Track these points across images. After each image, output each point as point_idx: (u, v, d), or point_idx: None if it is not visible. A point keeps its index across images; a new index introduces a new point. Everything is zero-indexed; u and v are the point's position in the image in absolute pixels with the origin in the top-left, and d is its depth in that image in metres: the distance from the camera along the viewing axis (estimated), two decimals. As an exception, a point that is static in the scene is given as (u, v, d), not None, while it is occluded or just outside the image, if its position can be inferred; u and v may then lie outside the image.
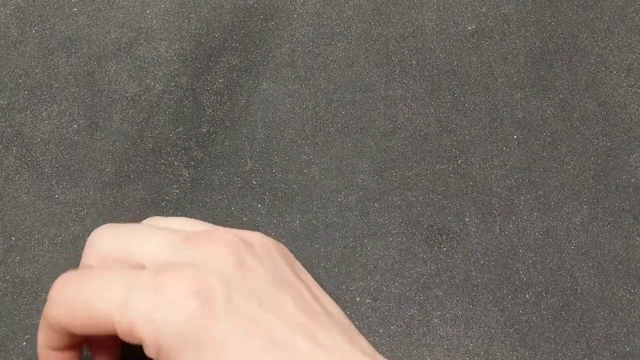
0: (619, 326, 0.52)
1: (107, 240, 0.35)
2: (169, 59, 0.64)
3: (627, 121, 0.62)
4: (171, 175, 0.57)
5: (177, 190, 0.57)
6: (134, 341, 0.29)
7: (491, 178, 0.58)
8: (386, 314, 0.51)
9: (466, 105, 0.62)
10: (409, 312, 0.52)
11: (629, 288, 0.54)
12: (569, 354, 0.51)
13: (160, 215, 0.56)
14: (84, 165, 0.58)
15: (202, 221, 0.38)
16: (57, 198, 0.56)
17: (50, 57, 0.64)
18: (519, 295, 0.53)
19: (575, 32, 0.67)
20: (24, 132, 0.60)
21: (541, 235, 0.56)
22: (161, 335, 0.27)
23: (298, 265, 0.37)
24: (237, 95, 0.62)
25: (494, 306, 0.52)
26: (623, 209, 0.57)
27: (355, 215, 0.55)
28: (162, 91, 0.62)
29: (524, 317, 0.52)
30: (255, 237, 0.33)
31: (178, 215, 0.57)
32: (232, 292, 0.27)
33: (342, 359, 0.29)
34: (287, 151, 0.58)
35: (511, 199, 0.57)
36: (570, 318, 0.52)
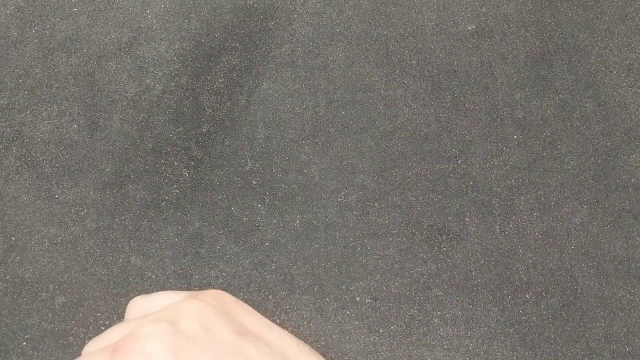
0: (619, 326, 0.52)
1: None
2: (169, 59, 0.64)
3: (627, 121, 0.62)
4: (171, 175, 0.57)
5: (177, 190, 0.57)
6: None
7: (491, 178, 0.58)
8: (386, 314, 0.51)
9: (466, 105, 0.62)
10: (409, 312, 0.52)
11: (629, 288, 0.54)
12: (569, 354, 0.51)
13: (160, 214, 0.56)
14: (84, 165, 0.58)
15: (180, 292, 0.36)
16: (57, 198, 0.56)
17: (50, 57, 0.64)
18: (519, 295, 0.53)
19: (575, 32, 0.67)
20: (24, 132, 0.60)
21: (541, 235, 0.56)
22: None
23: (241, 311, 0.34)
24: (237, 95, 0.62)
25: (494, 306, 0.52)
26: (623, 209, 0.57)
27: (355, 215, 0.55)
28: (162, 91, 0.62)
29: (524, 317, 0.52)
30: (187, 310, 0.31)
31: (178, 215, 0.57)
32: None
33: None
34: (287, 151, 0.58)
35: (511, 199, 0.57)
36: (570, 318, 0.52)
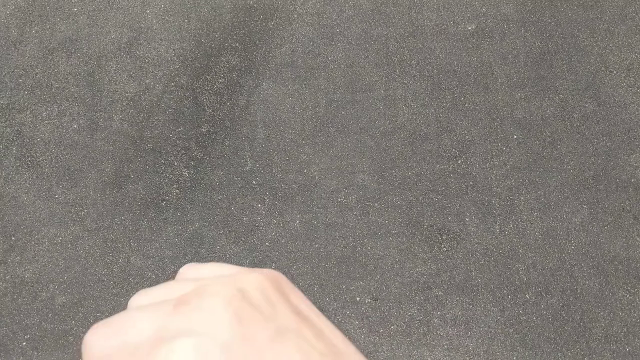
0: (619, 326, 0.52)
1: (101, 343, 0.34)
2: (169, 59, 0.64)
3: (627, 121, 0.62)
4: (171, 175, 0.57)
5: (177, 190, 0.57)
6: None
7: (491, 178, 0.58)
8: (386, 313, 0.51)
9: (466, 105, 0.62)
10: (409, 312, 0.52)
11: (629, 288, 0.54)
12: (569, 354, 0.51)
13: (160, 214, 0.57)
14: (84, 165, 0.58)
15: (234, 266, 0.36)
16: (57, 198, 0.56)
17: (50, 57, 0.64)
18: (519, 295, 0.53)
19: (575, 32, 0.67)
20: (24, 132, 0.60)
21: (541, 235, 0.56)
22: None
23: (296, 295, 0.36)
24: (237, 95, 0.62)
25: (494, 306, 0.52)
26: (623, 209, 0.57)
27: (355, 215, 0.55)
28: (162, 91, 0.62)
29: (524, 317, 0.52)
30: (250, 281, 0.32)
31: (178, 215, 0.57)
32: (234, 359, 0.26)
33: None
34: (287, 151, 0.58)
35: (511, 199, 0.57)
36: (570, 318, 0.52)
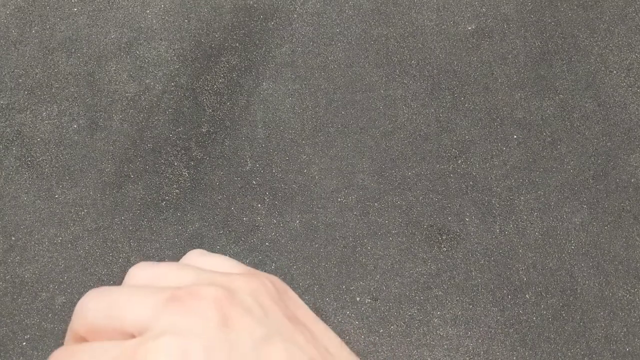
0: (619, 326, 0.52)
1: (93, 311, 0.35)
2: (169, 59, 0.64)
3: (627, 121, 0.62)
4: (171, 175, 0.57)
5: (177, 190, 0.57)
6: None
7: (491, 178, 0.58)
8: (386, 314, 0.51)
9: (466, 105, 0.62)
10: (409, 312, 0.52)
11: (629, 288, 0.54)
12: (569, 354, 0.51)
13: (160, 214, 0.57)
14: (84, 165, 0.58)
15: (239, 263, 0.37)
16: (57, 198, 0.56)
17: (50, 57, 0.64)
18: (519, 295, 0.53)
19: (575, 32, 0.67)
20: (24, 132, 0.60)
21: (541, 235, 0.56)
22: None
23: (293, 300, 0.36)
24: (237, 95, 0.62)
25: (494, 306, 0.52)
26: (623, 209, 0.57)
27: (355, 215, 0.55)
28: (162, 91, 0.62)
29: (524, 317, 0.52)
30: (243, 283, 0.32)
31: (178, 215, 0.57)
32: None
33: None
34: (287, 151, 0.58)
35: (511, 199, 0.57)
36: (570, 318, 0.52)
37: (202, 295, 0.30)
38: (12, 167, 0.58)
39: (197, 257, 0.38)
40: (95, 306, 0.35)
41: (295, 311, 0.35)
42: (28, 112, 0.61)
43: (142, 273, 0.36)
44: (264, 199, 0.55)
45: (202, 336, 0.28)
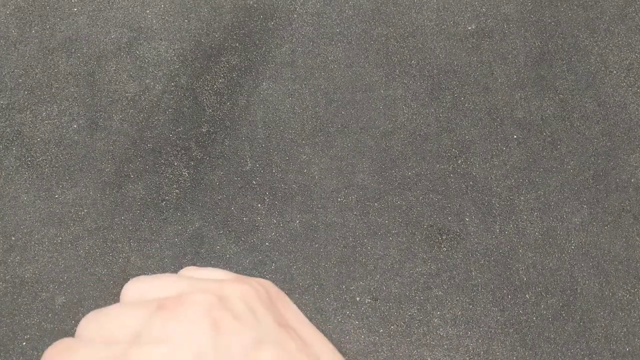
0: (619, 326, 0.52)
1: (87, 331, 0.35)
2: (169, 59, 0.64)
3: (627, 121, 0.62)
4: (171, 175, 0.57)
5: (177, 190, 0.57)
6: None
7: (491, 178, 0.58)
8: (386, 313, 0.51)
9: (466, 105, 0.62)
10: (409, 312, 0.52)
11: (629, 288, 0.54)
12: (569, 354, 0.51)
13: (160, 214, 0.57)
14: (84, 165, 0.58)
15: (230, 272, 0.37)
16: (57, 198, 0.56)
17: (50, 57, 0.64)
18: (519, 295, 0.53)
19: (575, 32, 0.67)
20: (24, 132, 0.60)
21: (541, 235, 0.56)
22: None
23: (286, 306, 0.36)
24: (237, 95, 0.62)
25: (494, 306, 0.52)
26: (623, 209, 0.57)
27: (355, 215, 0.55)
28: (162, 91, 0.62)
29: (524, 317, 0.52)
30: (233, 289, 0.32)
31: (178, 215, 0.57)
32: None
33: None
34: (287, 151, 0.58)
35: (511, 199, 0.57)
36: (570, 318, 0.52)
37: (192, 301, 0.31)
38: (12, 167, 0.58)
39: (189, 272, 0.38)
40: (89, 326, 0.35)
41: (287, 317, 0.35)
42: (28, 112, 0.61)
43: (135, 287, 0.36)
44: (264, 199, 0.55)
45: (191, 342, 0.29)
